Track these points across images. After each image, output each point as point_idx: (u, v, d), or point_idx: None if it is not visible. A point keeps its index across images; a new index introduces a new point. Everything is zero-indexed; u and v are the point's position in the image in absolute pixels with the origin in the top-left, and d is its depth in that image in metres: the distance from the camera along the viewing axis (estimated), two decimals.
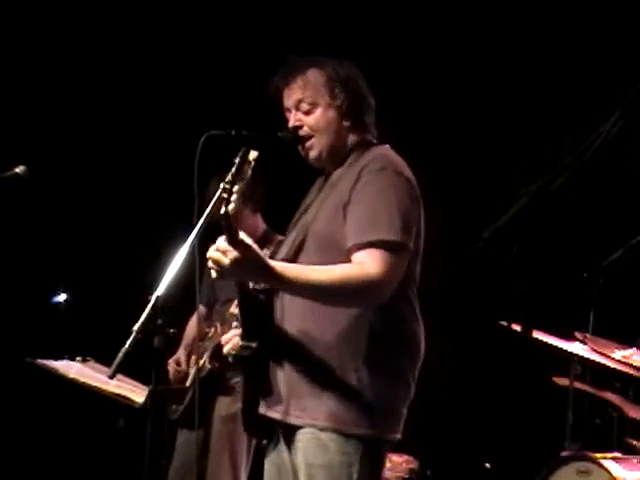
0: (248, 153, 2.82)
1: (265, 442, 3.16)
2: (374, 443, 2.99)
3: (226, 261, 2.77)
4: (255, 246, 2.82)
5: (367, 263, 2.88)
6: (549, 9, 5.67)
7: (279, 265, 2.87)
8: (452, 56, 5.89)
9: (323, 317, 2.96)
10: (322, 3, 5.99)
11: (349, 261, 2.93)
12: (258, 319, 3.04)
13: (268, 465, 3.15)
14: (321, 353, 2.95)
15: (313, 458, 2.95)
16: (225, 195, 2.72)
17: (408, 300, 3.04)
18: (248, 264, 2.79)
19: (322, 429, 2.94)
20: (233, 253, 2.76)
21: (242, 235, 2.79)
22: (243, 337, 3.04)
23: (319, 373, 2.96)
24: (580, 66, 5.55)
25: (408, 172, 3.06)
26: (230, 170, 2.80)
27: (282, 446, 3.07)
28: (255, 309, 3.04)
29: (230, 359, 3.10)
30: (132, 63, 6.15)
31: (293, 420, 2.98)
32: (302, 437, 2.97)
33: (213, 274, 2.84)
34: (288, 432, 3.03)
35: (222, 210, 2.72)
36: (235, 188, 2.75)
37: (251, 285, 3.04)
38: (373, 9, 5.95)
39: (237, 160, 2.79)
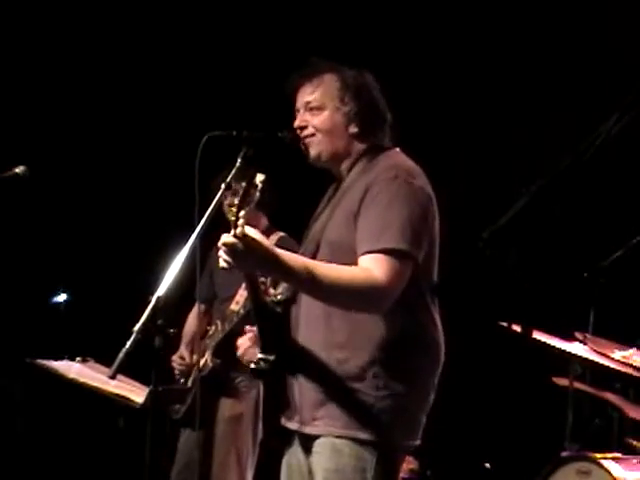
0: (255, 176, 2.82)
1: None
2: (390, 450, 2.99)
3: (239, 246, 2.75)
4: (262, 236, 2.82)
5: (373, 268, 2.88)
6: (549, 9, 5.67)
7: (286, 255, 2.85)
8: (453, 55, 5.89)
9: (340, 327, 2.97)
10: (323, 6, 5.99)
11: None
12: (275, 331, 3.06)
13: (284, 467, 3.16)
14: (339, 362, 2.96)
15: (328, 463, 2.96)
16: (233, 219, 2.74)
17: (427, 307, 3.04)
18: (257, 251, 2.78)
19: (338, 436, 2.95)
20: (241, 242, 2.76)
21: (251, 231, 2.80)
22: (261, 350, 3.07)
23: (337, 382, 2.96)
24: (580, 66, 5.55)
25: (420, 179, 3.05)
26: (232, 173, 2.83)
27: (298, 449, 3.09)
28: (272, 322, 3.06)
29: (249, 372, 3.11)
30: (133, 64, 6.15)
31: (310, 430, 3.00)
32: (319, 443, 2.99)
33: (222, 263, 2.80)
34: (305, 439, 3.05)
35: (231, 234, 2.73)
36: (242, 213, 2.75)
37: (268, 298, 3.06)
38: (373, 11, 5.95)
39: (244, 184, 2.79)
